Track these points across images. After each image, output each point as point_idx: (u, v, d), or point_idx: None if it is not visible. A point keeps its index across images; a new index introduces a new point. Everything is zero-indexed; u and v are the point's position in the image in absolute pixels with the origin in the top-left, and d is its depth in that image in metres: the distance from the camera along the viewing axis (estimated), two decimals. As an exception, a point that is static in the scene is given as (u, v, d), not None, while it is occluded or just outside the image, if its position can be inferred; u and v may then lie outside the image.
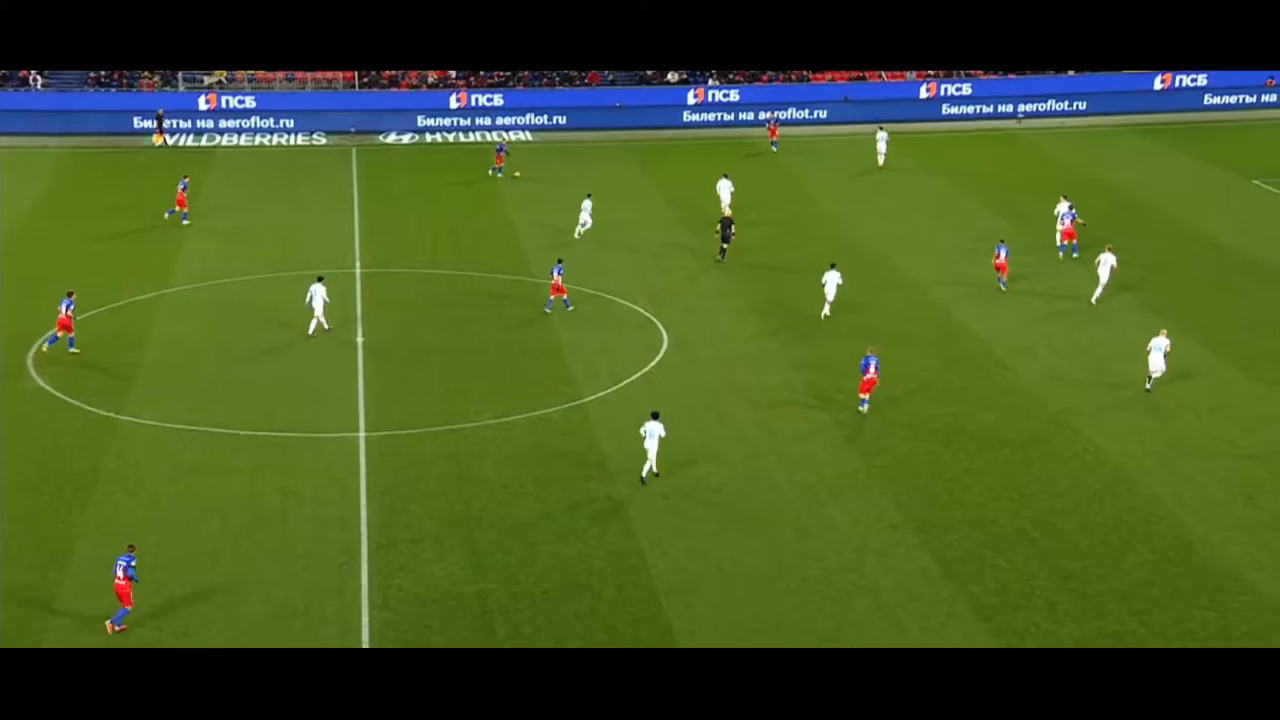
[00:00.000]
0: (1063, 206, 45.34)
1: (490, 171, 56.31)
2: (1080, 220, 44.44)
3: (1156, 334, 34.48)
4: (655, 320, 39.41)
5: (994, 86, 69.70)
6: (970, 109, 69.01)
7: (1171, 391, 34.11)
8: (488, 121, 66.41)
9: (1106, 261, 40.26)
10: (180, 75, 68.06)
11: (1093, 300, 40.23)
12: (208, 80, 68.20)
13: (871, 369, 32.82)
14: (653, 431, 29.41)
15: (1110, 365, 35.86)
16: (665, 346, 37.44)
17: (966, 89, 69.58)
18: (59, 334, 36.23)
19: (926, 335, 37.98)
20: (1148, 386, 34.14)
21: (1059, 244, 44.64)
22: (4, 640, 23.55)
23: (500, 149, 57.22)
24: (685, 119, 67.34)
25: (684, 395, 34.19)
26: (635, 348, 37.30)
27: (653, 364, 36.23)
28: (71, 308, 36.45)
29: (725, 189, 49.85)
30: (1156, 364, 33.90)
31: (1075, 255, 43.85)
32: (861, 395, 33.00)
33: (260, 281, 43.39)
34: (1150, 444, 31.28)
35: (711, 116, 67.63)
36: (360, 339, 38.02)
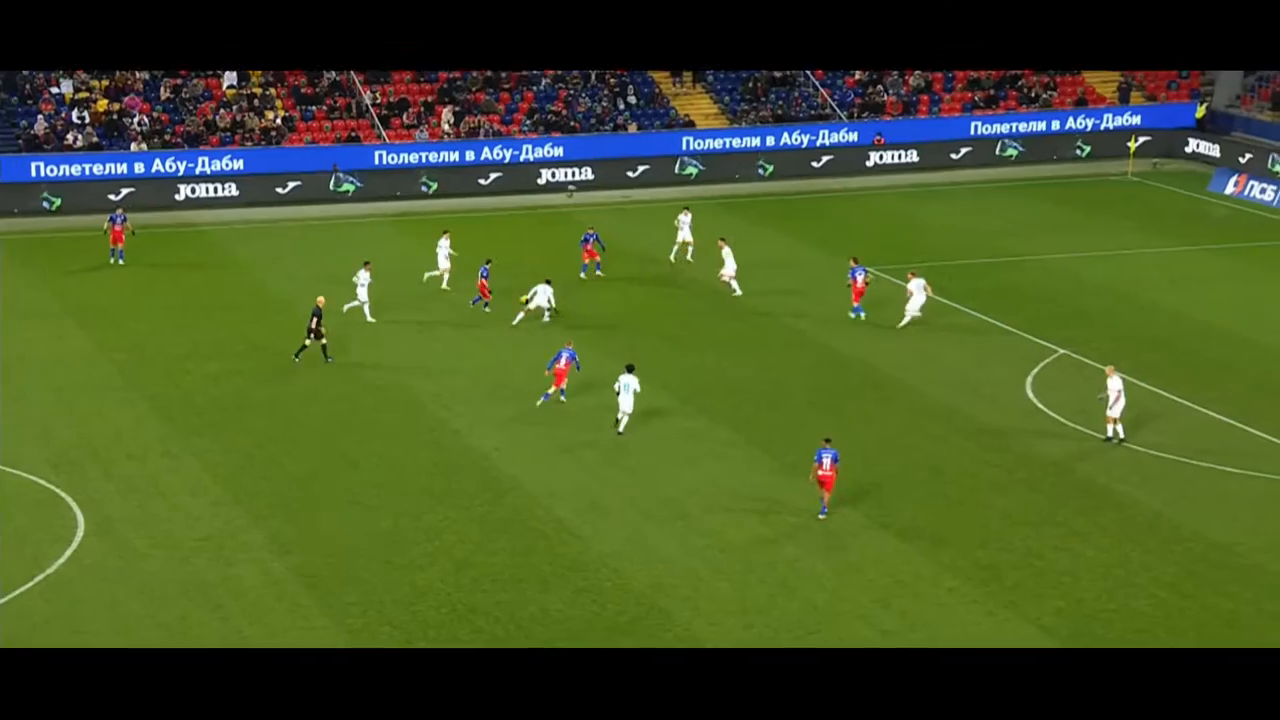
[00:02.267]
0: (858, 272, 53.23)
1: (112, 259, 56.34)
2: (869, 278, 52.60)
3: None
4: (64, 495, 37.73)
5: (532, 149, 71.63)
6: (503, 177, 70.52)
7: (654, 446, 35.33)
8: None
9: (918, 286, 50.77)
10: None
11: (901, 324, 50.58)
12: None
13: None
14: (628, 385, 40.88)
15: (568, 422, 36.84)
16: (80, 533, 35.76)
17: (505, 153, 71.19)
18: None
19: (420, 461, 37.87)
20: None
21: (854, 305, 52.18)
22: None
23: (115, 218, 56.93)
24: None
25: (115, 604, 32.43)
26: (34, 537, 35.49)
27: (62, 560, 34.34)
28: None
29: None
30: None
31: (862, 316, 52.00)
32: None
33: None
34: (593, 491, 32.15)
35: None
36: None
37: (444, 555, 34.94)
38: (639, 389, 41.25)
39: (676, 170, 72.58)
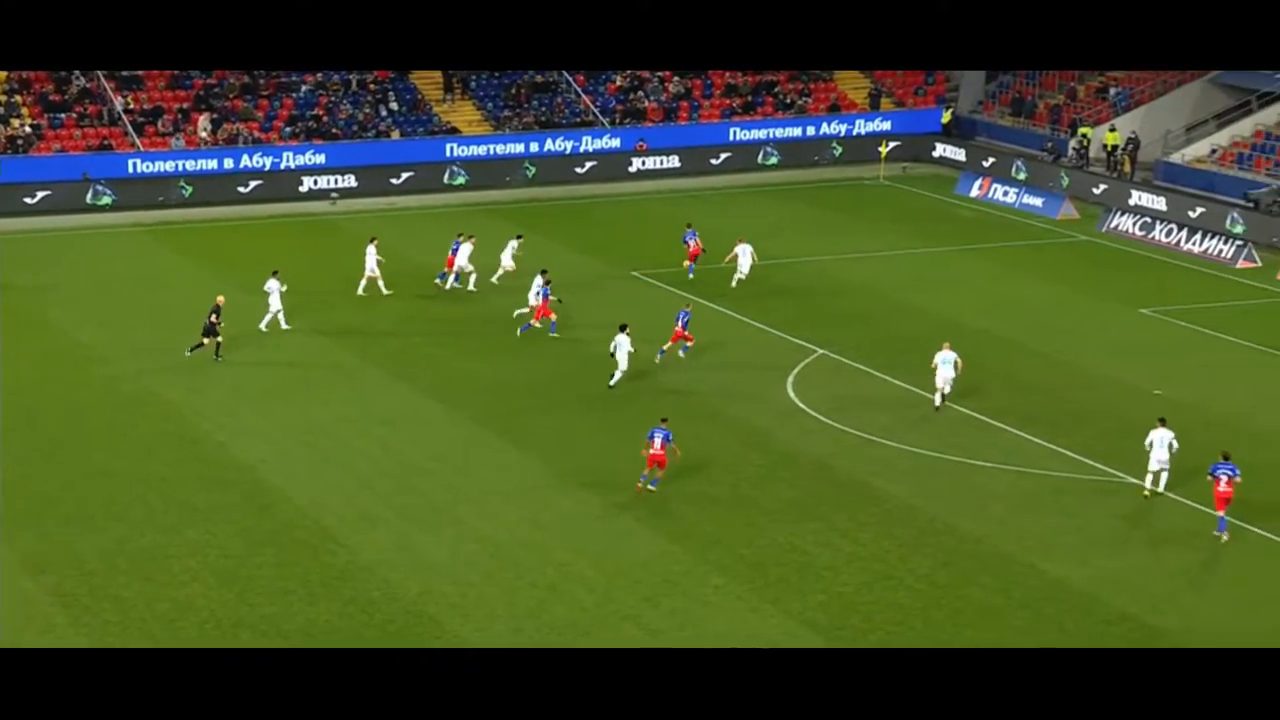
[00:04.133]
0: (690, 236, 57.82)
1: None
2: (703, 246, 57.25)
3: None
4: None
5: (293, 157, 70.52)
6: (264, 185, 69.29)
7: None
8: None
9: (745, 252, 55.71)
10: None
11: (733, 283, 55.52)
12: None
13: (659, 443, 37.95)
14: (621, 344, 44.06)
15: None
16: None
17: (265, 161, 69.90)
18: None
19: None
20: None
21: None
22: None
23: None
24: None
25: None
26: None
27: None
28: None
29: None
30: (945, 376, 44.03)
31: (690, 276, 56.68)
32: None
33: None
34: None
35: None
36: None
37: (207, 570, 34.13)
38: (632, 349, 44.41)
39: (446, 179, 72.13)
